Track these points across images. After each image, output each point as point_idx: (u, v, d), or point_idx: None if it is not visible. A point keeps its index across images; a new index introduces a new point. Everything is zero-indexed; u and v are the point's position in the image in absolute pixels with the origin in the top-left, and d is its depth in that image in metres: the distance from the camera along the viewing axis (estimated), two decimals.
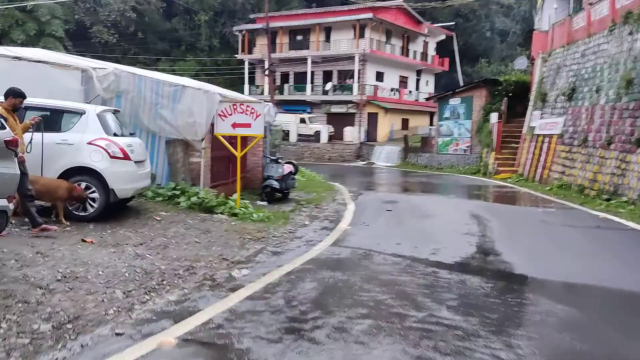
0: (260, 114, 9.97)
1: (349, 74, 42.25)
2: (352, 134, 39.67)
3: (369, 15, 39.79)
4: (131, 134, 8.62)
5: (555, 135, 19.51)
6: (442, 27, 49.65)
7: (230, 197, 10.50)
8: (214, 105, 9.99)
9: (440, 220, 11.19)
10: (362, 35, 41.44)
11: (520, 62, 28.57)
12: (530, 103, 23.85)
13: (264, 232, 9.09)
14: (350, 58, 41.32)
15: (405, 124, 44.11)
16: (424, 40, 48.20)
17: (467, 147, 29.88)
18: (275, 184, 12.81)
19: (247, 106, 10.01)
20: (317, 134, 40.66)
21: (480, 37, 51.32)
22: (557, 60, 21.08)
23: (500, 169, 23.95)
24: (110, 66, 10.48)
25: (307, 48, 44.05)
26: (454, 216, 11.78)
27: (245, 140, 10.69)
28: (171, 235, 7.71)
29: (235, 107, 10.03)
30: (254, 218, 9.83)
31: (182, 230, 8.10)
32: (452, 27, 50.77)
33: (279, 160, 13.28)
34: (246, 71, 46.63)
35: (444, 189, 20.57)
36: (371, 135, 41.80)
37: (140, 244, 6.97)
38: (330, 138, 41.09)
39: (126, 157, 7.57)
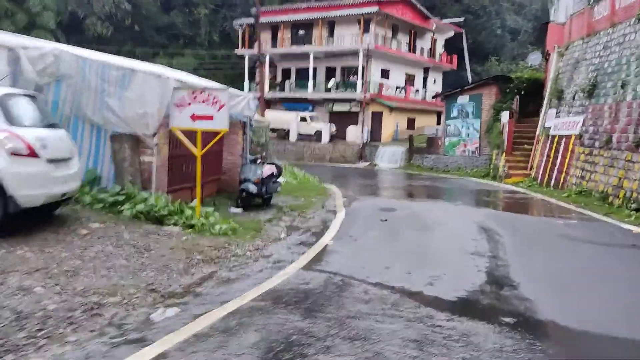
0: (224, 104, 8.24)
1: (353, 71, 40.45)
2: (355, 133, 37.85)
3: (375, 8, 37.98)
4: (52, 125, 6.89)
5: (573, 136, 17.64)
6: (450, 23, 47.72)
7: (190, 204, 8.77)
8: (168, 92, 8.26)
9: (443, 234, 9.41)
10: (366, 30, 39.61)
11: (534, 58, 26.65)
12: (545, 101, 21.99)
13: (223, 249, 7.36)
14: (355, 54, 39.52)
15: (411, 123, 42.26)
16: (432, 37, 46.29)
17: (476, 148, 28.03)
18: (252, 188, 11.06)
19: (209, 94, 8.28)
20: (318, 133, 38.89)
21: (490, 34, 49.34)
22: (576, 54, 19.20)
23: (512, 172, 22.09)
24: (49, 45, 8.79)
25: (310, 43, 42.29)
26: (460, 229, 10.00)
27: (212, 136, 8.95)
28: (91, 256, 5.98)
29: (194, 95, 8.31)
30: (214, 231, 8.10)
31: (109, 249, 6.36)
32: (461, 23, 48.86)
33: (258, 161, 11.51)
34: (246, 66, 44.92)
35: (450, 195, 18.76)
36: (375, 135, 39.97)
37: (37, 270, 5.24)
38: (332, 138, 39.30)
39: (33, 154, 5.86)
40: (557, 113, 20.04)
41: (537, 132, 21.93)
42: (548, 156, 19.43)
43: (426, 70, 46.80)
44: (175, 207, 8.34)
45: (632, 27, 14.89)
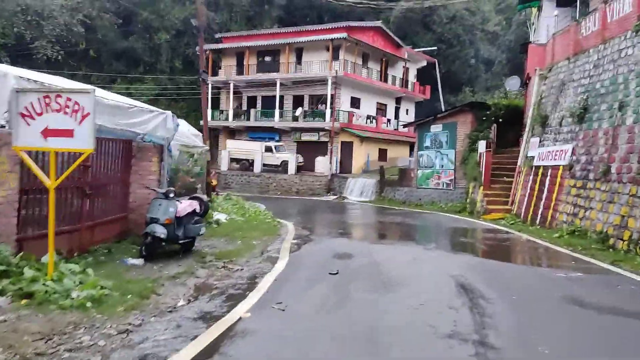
0: (88, 113, 5.63)
1: (322, 99, 38.34)
2: (324, 164, 35.50)
3: (344, 34, 36.13)
4: None
5: (561, 167, 15.44)
6: (423, 52, 46.33)
7: (43, 259, 6.06)
8: (4, 93, 5.65)
9: (409, 300, 6.80)
10: (336, 57, 37.75)
11: (513, 83, 24.77)
12: (527, 129, 19.91)
13: (62, 336, 4.67)
14: (323, 82, 37.50)
15: (383, 154, 40.12)
16: (404, 66, 44.69)
17: (451, 180, 25.81)
18: (161, 231, 8.36)
19: (68, 99, 5.67)
20: (284, 164, 36.42)
21: (464, 64, 48.08)
22: (561, 76, 17.20)
23: (491, 207, 19.82)
24: None
25: (277, 70, 40.21)
26: (432, 289, 7.44)
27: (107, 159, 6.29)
28: None
29: (47, 100, 5.70)
30: (65, 302, 5.38)
31: None
32: (434, 52, 47.56)
33: (171, 195, 8.82)
34: (209, 94, 42.45)
35: (422, 234, 16.29)
36: (345, 166, 37.70)
37: None
38: (299, 169, 36.86)
39: None
40: (540, 141, 17.91)
41: (519, 163, 19.80)
42: (532, 189, 17.19)
43: (398, 100, 45.05)
44: (13, 267, 5.62)
45: (629, 40, 12.87)
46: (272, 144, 37.53)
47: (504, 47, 62.67)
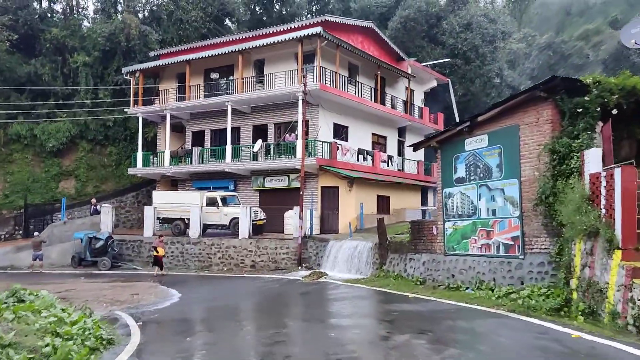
0: None
1: (291, 126, 26.42)
2: (295, 222, 22.99)
3: (318, 29, 24.64)
4: None
5: None
6: (432, 67, 34.83)
7: None
8: None
9: None
10: (309, 62, 26.16)
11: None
12: None
13: None
14: (293, 104, 25.77)
15: (383, 204, 27.75)
16: (407, 87, 33.05)
17: (514, 238, 13.30)
18: None
19: None
20: (234, 223, 24.05)
21: (486, 85, 36.43)
22: None
23: None
24: None
25: (230, 91, 28.57)
26: None
27: None
28: None
29: None
30: None
31: None
32: (446, 69, 36.10)
33: None
34: (140, 132, 30.70)
35: None
36: (329, 222, 25.30)
37: None
38: (258, 229, 24.42)
39: None
40: None
41: None
42: None
43: (402, 132, 33.12)
44: None
45: None
46: (216, 194, 25.25)
47: (525, 74, 51.68)
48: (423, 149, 34.68)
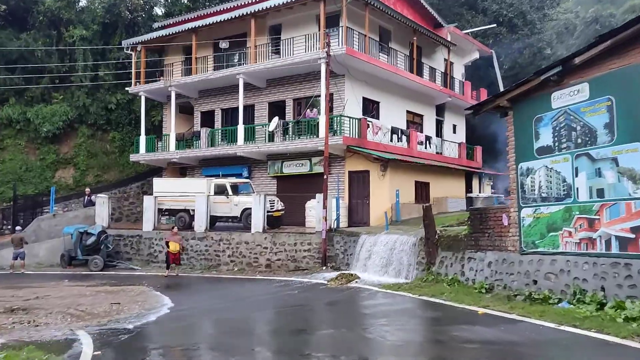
0: None
1: (311, 101, 22.48)
2: (318, 213, 18.98)
3: None
4: None
5: None
6: (474, 35, 30.47)
7: None
8: None
9: None
10: (333, 26, 22.15)
11: None
12: None
13: None
14: (315, 75, 21.87)
15: (422, 192, 23.63)
16: (446, 59, 28.77)
17: (636, 229, 9.10)
18: None
19: None
20: (246, 214, 20.23)
21: (535, 56, 31.81)
22: None
23: None
24: None
25: (242, 62, 24.72)
26: None
27: None
28: None
29: None
30: None
31: None
32: (489, 40, 31.73)
33: None
34: (142, 112, 27.15)
35: None
36: (358, 212, 21.34)
37: None
38: (275, 221, 20.60)
39: None
40: None
41: None
42: None
43: (440, 111, 28.83)
44: None
45: None
46: (226, 180, 21.46)
47: (573, 50, 46.72)
48: (464, 130, 30.61)
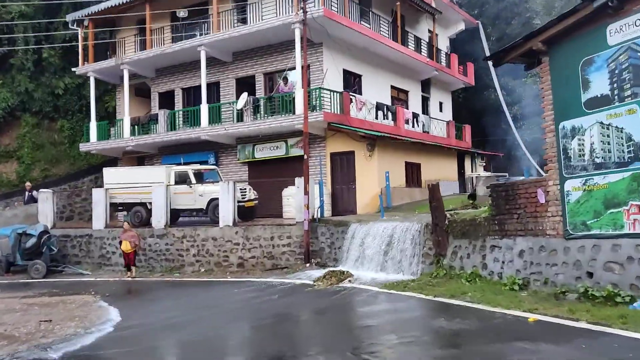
0: None
1: (284, 73, 19.57)
2: (299, 201, 16.11)
3: None
4: None
5: None
6: (460, 2, 27.93)
7: None
8: None
9: None
10: None
11: None
12: None
13: None
14: (287, 46, 18.99)
15: (413, 174, 21.01)
16: (432, 30, 26.17)
17: None
18: None
19: None
20: (213, 205, 17.25)
21: (525, 26, 29.45)
22: None
23: None
24: None
25: (203, 32, 21.62)
26: None
27: None
28: None
29: None
30: None
31: None
32: (474, 7, 29.31)
33: None
34: (92, 95, 23.83)
35: None
36: (343, 199, 18.59)
37: None
38: (248, 213, 17.69)
39: None
40: None
41: None
42: None
43: (425, 86, 26.20)
44: None
45: None
46: (188, 168, 18.43)
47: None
48: (450, 108, 28.12)
